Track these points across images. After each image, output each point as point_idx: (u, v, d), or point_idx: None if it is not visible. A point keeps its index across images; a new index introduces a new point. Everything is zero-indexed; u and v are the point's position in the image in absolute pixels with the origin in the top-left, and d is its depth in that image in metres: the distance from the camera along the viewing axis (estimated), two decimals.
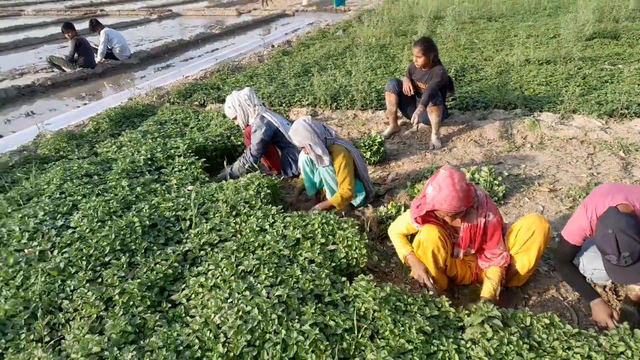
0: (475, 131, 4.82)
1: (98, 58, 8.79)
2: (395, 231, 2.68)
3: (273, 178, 3.61)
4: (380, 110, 5.49)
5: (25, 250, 2.87)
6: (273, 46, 9.90)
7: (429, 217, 2.45)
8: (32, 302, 2.46)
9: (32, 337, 2.27)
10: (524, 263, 2.49)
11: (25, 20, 16.99)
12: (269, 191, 3.41)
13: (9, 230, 3.06)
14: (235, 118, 4.08)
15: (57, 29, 12.58)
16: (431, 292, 2.40)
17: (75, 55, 8.35)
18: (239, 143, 4.52)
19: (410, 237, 2.68)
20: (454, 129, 4.92)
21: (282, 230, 2.88)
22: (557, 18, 10.34)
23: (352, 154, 3.37)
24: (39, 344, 2.22)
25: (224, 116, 5.04)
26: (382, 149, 4.30)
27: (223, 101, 5.92)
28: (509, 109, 5.23)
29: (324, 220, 2.91)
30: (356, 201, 3.51)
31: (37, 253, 2.84)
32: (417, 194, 3.35)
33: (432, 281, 2.48)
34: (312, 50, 8.78)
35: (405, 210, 3.14)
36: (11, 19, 17.54)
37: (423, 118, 4.53)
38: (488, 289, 2.47)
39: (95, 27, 9.02)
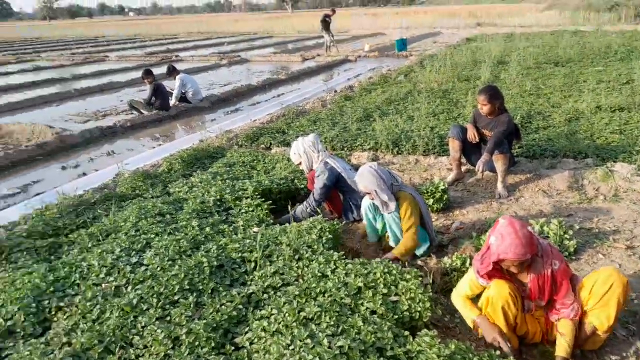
0: (543, 181, 4.67)
1: (173, 101, 9.40)
2: (459, 295, 2.62)
3: (335, 223, 3.66)
4: (442, 156, 5.46)
5: (103, 285, 3.06)
6: (336, 91, 10.17)
7: (495, 273, 2.40)
8: (106, 336, 2.59)
9: None
10: (602, 320, 2.34)
11: (109, 65, 18.50)
12: (330, 236, 3.45)
13: (89, 265, 3.28)
14: (299, 164, 4.22)
15: (136, 74, 13.62)
16: (508, 353, 2.31)
17: (153, 98, 8.98)
18: (302, 186, 4.63)
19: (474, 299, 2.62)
20: (521, 177, 4.79)
21: (343, 278, 2.90)
22: (629, 63, 9.96)
23: (417, 201, 3.37)
24: None
25: (288, 159, 5.20)
26: (446, 196, 4.25)
27: (288, 145, 6.13)
28: (579, 159, 5.04)
29: (386, 270, 2.90)
30: (419, 250, 3.47)
31: (112, 288, 3.01)
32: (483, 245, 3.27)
33: (508, 343, 2.39)
34: (374, 95, 8.94)
35: (470, 263, 3.06)
36: (97, 64, 19.17)
37: (488, 166, 4.47)
38: (562, 346, 2.34)
39: (172, 72, 9.69)
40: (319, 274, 2.97)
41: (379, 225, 3.61)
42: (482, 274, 2.39)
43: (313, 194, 4.02)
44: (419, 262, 3.31)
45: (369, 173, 3.32)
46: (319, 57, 17.95)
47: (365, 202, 3.57)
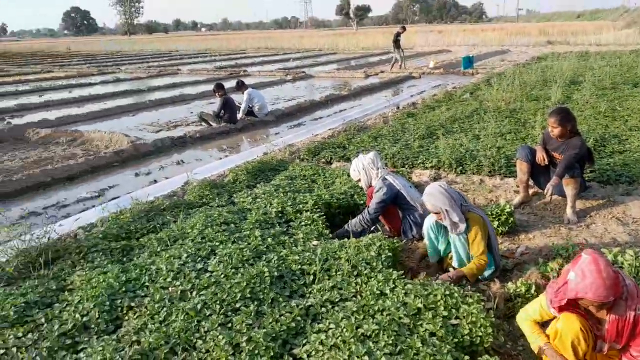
0: (617, 207, 4.42)
1: (240, 115, 9.75)
2: (527, 318, 2.50)
3: (394, 240, 3.64)
4: (509, 177, 5.30)
5: (170, 289, 3.21)
6: (398, 107, 10.15)
7: (568, 306, 2.27)
8: (172, 337, 2.71)
9: None
10: None
11: (181, 78, 19.49)
12: (390, 254, 3.44)
13: (158, 268, 3.45)
14: (359, 180, 4.26)
15: (206, 87, 14.25)
16: None
17: (222, 111, 9.36)
18: (361, 202, 4.64)
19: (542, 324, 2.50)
20: (593, 203, 4.56)
21: (402, 297, 2.87)
22: None
23: (486, 224, 3.29)
24: None
25: (348, 175, 5.24)
26: (512, 219, 4.12)
27: (348, 160, 6.18)
28: None
29: (447, 292, 2.85)
30: (484, 274, 3.38)
31: (179, 292, 3.16)
32: (550, 272, 3.14)
33: None
34: (438, 112, 8.83)
35: (536, 290, 2.95)
36: (170, 77, 20.24)
37: (558, 190, 4.29)
38: None
39: (241, 87, 10.08)
40: (378, 292, 2.96)
41: (441, 246, 3.55)
42: (554, 306, 2.28)
43: (368, 209, 4.03)
44: (482, 286, 3.22)
45: (439, 192, 3.27)
46: (382, 74, 17.99)
47: (428, 221, 3.53)
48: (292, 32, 75.63)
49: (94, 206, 5.43)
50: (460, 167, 5.64)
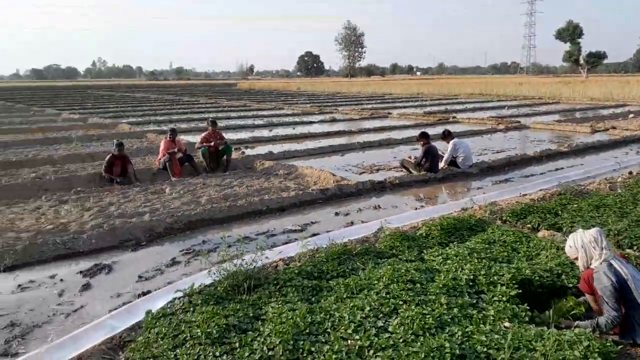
0: None
1: (442, 164, 9.61)
2: None
3: (607, 343, 3.05)
4: None
5: (349, 342, 3.24)
6: (631, 173, 8.71)
7: None
8: None
9: None
10: None
11: (390, 121, 20.25)
12: (600, 359, 2.89)
13: (341, 317, 3.53)
14: (576, 259, 3.73)
15: (413, 132, 14.47)
16: None
17: (423, 160, 9.36)
18: (570, 285, 4.04)
19: None
20: None
21: None
22: None
23: None
24: None
25: (558, 248, 4.65)
26: None
27: (559, 229, 5.52)
28: None
29: None
30: None
31: (357, 347, 3.17)
32: None
33: None
34: None
35: None
36: (380, 120, 21.22)
37: None
38: None
39: (447, 137, 9.96)
40: None
41: None
42: None
43: (609, 307, 3.43)
44: None
45: None
46: (613, 130, 15.78)
47: None
48: (510, 78, 72.20)
49: (296, 239, 5.91)
50: None
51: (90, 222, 6.51)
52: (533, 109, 25.91)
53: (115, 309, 4.17)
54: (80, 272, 5.13)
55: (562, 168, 10.24)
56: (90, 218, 6.72)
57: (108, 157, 9.30)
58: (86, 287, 4.77)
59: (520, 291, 3.84)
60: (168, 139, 10.03)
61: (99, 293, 4.65)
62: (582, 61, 73.92)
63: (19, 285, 4.83)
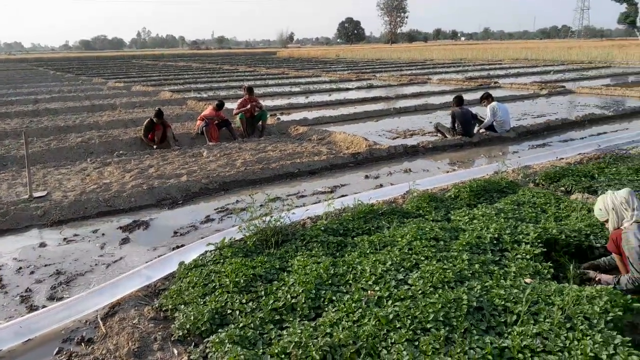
0: None
1: (478, 128, 9.40)
2: None
3: (630, 298, 3.04)
4: None
5: (369, 292, 3.35)
6: None
7: None
8: (360, 339, 2.84)
9: None
10: None
11: (429, 87, 19.83)
12: (619, 313, 2.88)
13: (363, 270, 3.63)
14: (606, 221, 3.65)
15: (451, 98, 14.12)
16: None
17: (456, 124, 9.19)
18: (598, 245, 3.98)
19: None
20: None
21: None
22: None
23: None
24: None
25: (589, 210, 4.56)
26: None
27: (594, 192, 5.38)
28: None
29: None
30: None
31: (376, 297, 3.27)
32: None
33: None
34: None
35: None
36: (419, 86, 20.79)
37: None
38: None
39: (484, 99, 9.70)
40: (591, 354, 2.53)
41: None
42: None
43: (632, 269, 3.38)
44: None
45: None
46: None
47: None
48: (558, 42, 68.68)
49: (324, 200, 6.01)
50: None
51: (130, 182, 6.83)
52: (581, 73, 24.69)
53: (152, 260, 4.43)
54: (120, 227, 5.44)
55: (605, 132, 9.84)
56: (130, 179, 7.04)
57: (146, 121, 9.62)
58: (125, 241, 5.07)
59: (545, 250, 3.83)
60: (214, 108, 10.27)
61: (137, 247, 4.93)
62: (638, 23, 69.25)
63: (65, 239, 5.18)
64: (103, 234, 5.28)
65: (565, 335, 2.73)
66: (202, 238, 4.93)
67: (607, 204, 3.60)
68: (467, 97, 9.77)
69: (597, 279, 3.56)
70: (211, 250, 4.25)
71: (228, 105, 11.62)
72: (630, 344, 2.59)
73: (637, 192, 3.72)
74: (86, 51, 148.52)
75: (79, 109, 14.68)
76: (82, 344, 3.20)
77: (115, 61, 58.27)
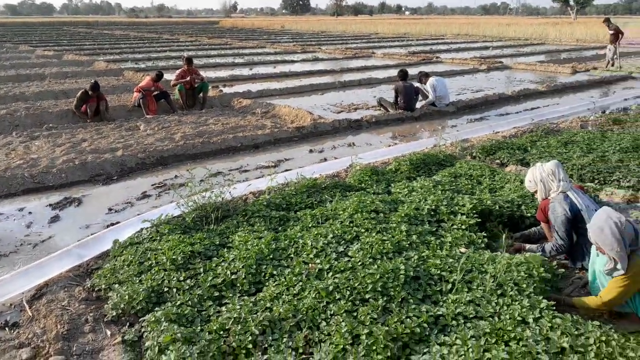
0: None
1: (421, 104, 9.56)
2: None
3: (554, 265, 3.22)
4: None
5: (310, 265, 3.36)
6: (603, 112, 8.82)
7: None
8: (300, 312, 2.85)
9: (290, 343, 2.64)
10: None
11: (373, 61, 19.89)
12: (546, 277, 3.06)
13: (304, 243, 3.63)
14: (535, 192, 3.82)
15: (395, 72, 14.22)
16: None
17: (398, 98, 9.31)
18: (529, 215, 4.18)
19: None
20: None
21: (546, 331, 2.53)
22: None
23: None
24: (293, 353, 2.57)
25: (521, 182, 4.76)
26: None
27: (527, 165, 5.62)
28: None
29: (603, 338, 2.42)
30: None
31: (317, 270, 3.28)
32: None
33: None
34: None
35: None
36: (364, 59, 20.81)
37: None
38: None
39: (423, 78, 9.85)
40: (519, 318, 2.67)
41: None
42: None
43: (558, 236, 3.56)
44: None
45: (611, 233, 2.71)
46: (594, 71, 15.77)
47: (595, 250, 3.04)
48: (498, 19, 70.64)
49: (268, 175, 5.93)
50: None
51: (61, 157, 6.44)
52: (517, 49, 25.59)
53: (84, 239, 4.22)
54: (50, 205, 5.14)
55: (538, 107, 10.29)
56: (61, 154, 6.64)
57: (80, 92, 9.06)
58: (55, 219, 4.80)
59: (479, 220, 3.97)
60: (152, 78, 9.78)
61: (68, 225, 4.68)
62: (571, 2, 72.48)
63: None
64: (30, 212, 4.97)
65: (496, 301, 2.86)
66: (138, 215, 4.75)
67: (536, 176, 3.75)
68: (410, 71, 9.87)
69: (525, 248, 3.74)
70: (147, 228, 4.10)
71: (167, 76, 11.15)
72: (554, 307, 2.74)
73: (564, 164, 3.91)
74: (12, 17, 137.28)
75: (3, 79, 13.62)
76: (7, 328, 3.02)
77: (44, 28, 54.28)
